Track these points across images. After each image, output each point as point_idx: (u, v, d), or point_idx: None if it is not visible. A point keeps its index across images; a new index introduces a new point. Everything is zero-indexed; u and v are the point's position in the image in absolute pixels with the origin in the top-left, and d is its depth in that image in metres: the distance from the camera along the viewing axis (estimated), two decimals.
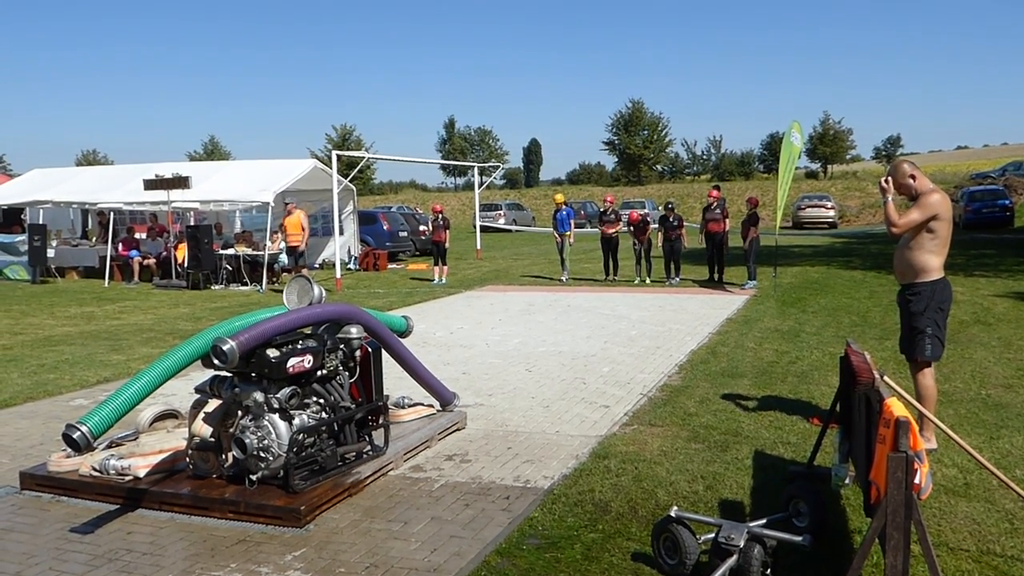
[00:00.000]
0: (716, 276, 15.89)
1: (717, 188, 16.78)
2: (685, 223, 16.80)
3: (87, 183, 21.12)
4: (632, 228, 16.80)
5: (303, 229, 16.82)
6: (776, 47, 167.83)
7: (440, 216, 17.89)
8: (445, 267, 17.82)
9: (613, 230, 17.00)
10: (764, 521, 3.97)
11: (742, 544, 3.58)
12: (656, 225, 17.02)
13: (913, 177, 5.31)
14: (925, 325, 5.29)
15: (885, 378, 3.83)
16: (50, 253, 20.03)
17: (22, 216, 22.30)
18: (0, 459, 5.79)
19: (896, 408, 3.16)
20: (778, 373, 7.86)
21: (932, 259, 5.23)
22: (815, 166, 78.48)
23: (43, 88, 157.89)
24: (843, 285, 14.89)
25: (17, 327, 12.21)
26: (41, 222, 20.57)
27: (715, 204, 15.84)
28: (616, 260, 17.11)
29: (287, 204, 17.07)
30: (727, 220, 15.81)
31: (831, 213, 37.00)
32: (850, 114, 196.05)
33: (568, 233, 17.27)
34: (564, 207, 17.51)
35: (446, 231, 17.71)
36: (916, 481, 3.06)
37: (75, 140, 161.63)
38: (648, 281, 16.40)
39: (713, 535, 3.74)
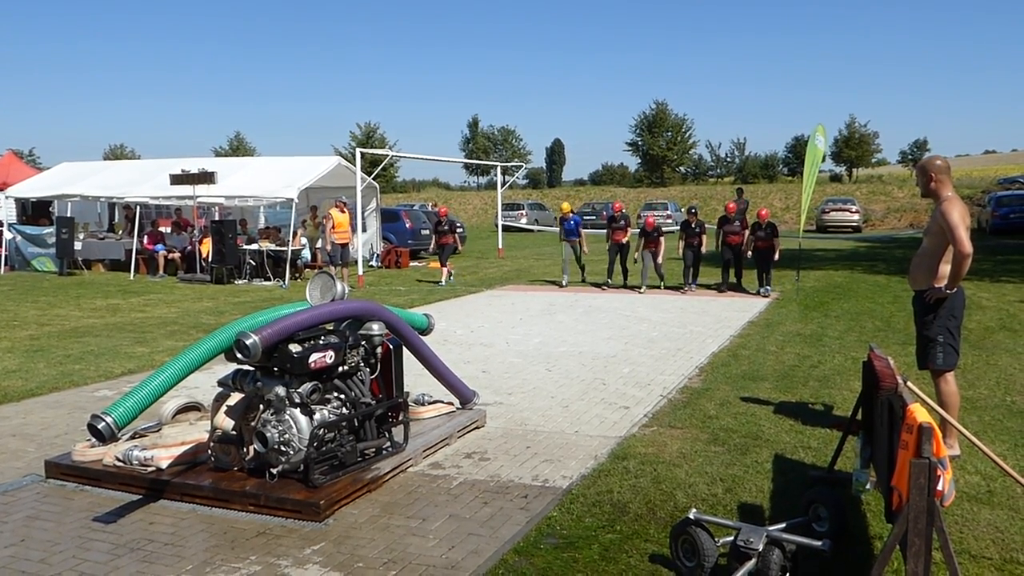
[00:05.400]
0: (734, 279, 15.54)
1: (736, 200, 16.35)
2: (707, 226, 16.49)
3: (114, 177, 21.36)
4: (642, 236, 15.82)
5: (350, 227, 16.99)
6: (802, 49, 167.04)
7: (446, 220, 17.87)
8: (445, 268, 17.56)
9: (624, 237, 16.58)
10: (784, 525, 3.95)
11: (761, 548, 3.57)
12: (678, 229, 16.65)
13: (937, 181, 5.21)
14: (936, 333, 5.23)
15: (908, 383, 3.80)
16: (77, 246, 20.33)
17: (50, 209, 22.62)
18: (26, 448, 5.89)
19: (919, 414, 3.13)
20: (799, 377, 7.80)
21: (946, 267, 5.17)
22: (840, 169, 77.86)
23: (72, 83, 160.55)
24: (867, 289, 14.75)
25: (44, 318, 12.38)
26: (69, 215, 20.86)
27: (733, 217, 15.57)
28: (625, 267, 16.55)
29: (340, 202, 17.03)
30: (746, 231, 15.44)
31: (856, 217, 36.55)
32: (876, 117, 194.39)
33: (580, 240, 16.93)
34: (572, 216, 17.00)
35: (453, 234, 17.69)
36: (939, 487, 3.04)
37: (103, 135, 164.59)
38: (662, 286, 15.88)
39: (732, 538, 3.73)
